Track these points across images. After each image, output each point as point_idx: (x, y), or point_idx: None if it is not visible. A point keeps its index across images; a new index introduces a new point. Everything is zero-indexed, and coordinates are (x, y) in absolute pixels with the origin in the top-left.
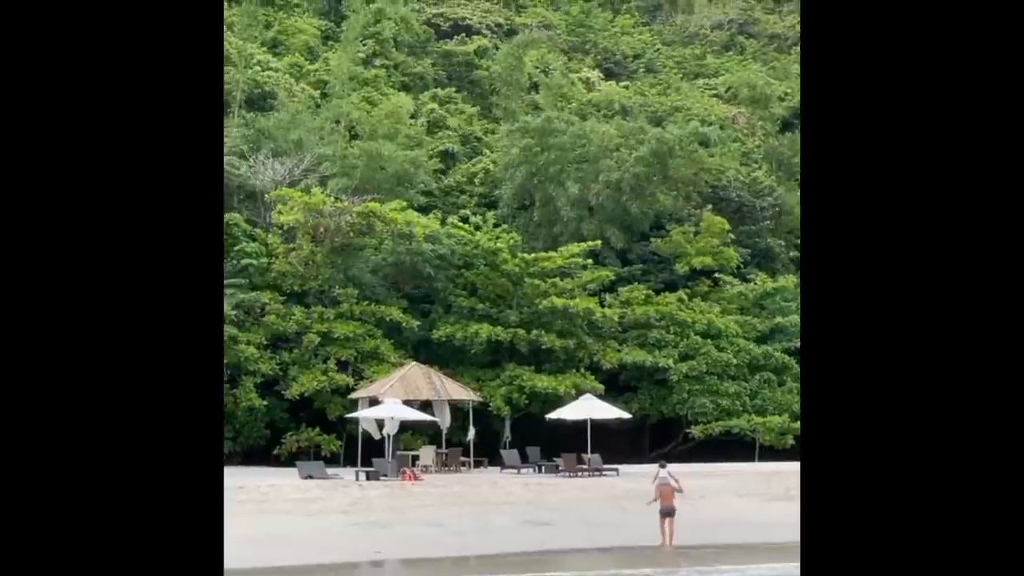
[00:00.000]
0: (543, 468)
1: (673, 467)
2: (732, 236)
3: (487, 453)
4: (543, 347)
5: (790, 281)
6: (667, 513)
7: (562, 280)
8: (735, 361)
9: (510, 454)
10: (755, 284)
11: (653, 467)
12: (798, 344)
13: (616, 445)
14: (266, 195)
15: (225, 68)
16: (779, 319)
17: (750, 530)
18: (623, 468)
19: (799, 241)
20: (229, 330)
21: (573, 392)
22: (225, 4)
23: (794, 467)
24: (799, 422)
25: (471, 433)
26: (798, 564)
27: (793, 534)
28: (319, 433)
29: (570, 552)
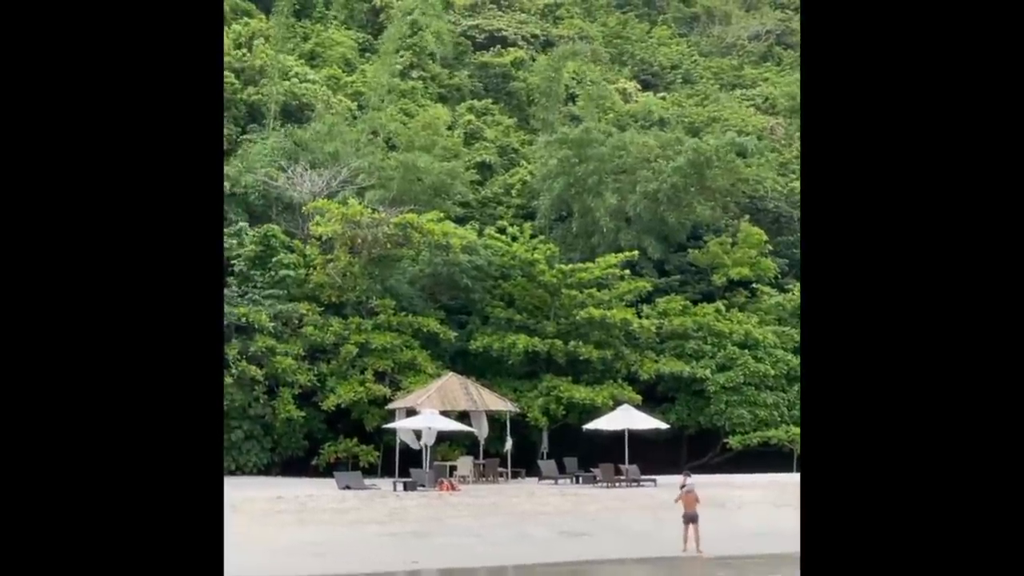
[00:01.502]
0: (580, 479)
1: (711, 478)
2: (769, 247)
3: (524, 463)
4: (580, 358)
5: None
6: (691, 519)
7: (599, 291)
8: (773, 372)
9: (547, 464)
10: (793, 295)
11: (694, 478)
12: None
13: (654, 456)
14: (303, 207)
15: (260, 80)
16: None
17: (789, 540)
18: (661, 479)
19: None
20: (267, 341)
21: (610, 403)
22: (261, 16)
23: None
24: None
25: (508, 443)
26: None
27: None
28: (357, 444)
29: (607, 563)
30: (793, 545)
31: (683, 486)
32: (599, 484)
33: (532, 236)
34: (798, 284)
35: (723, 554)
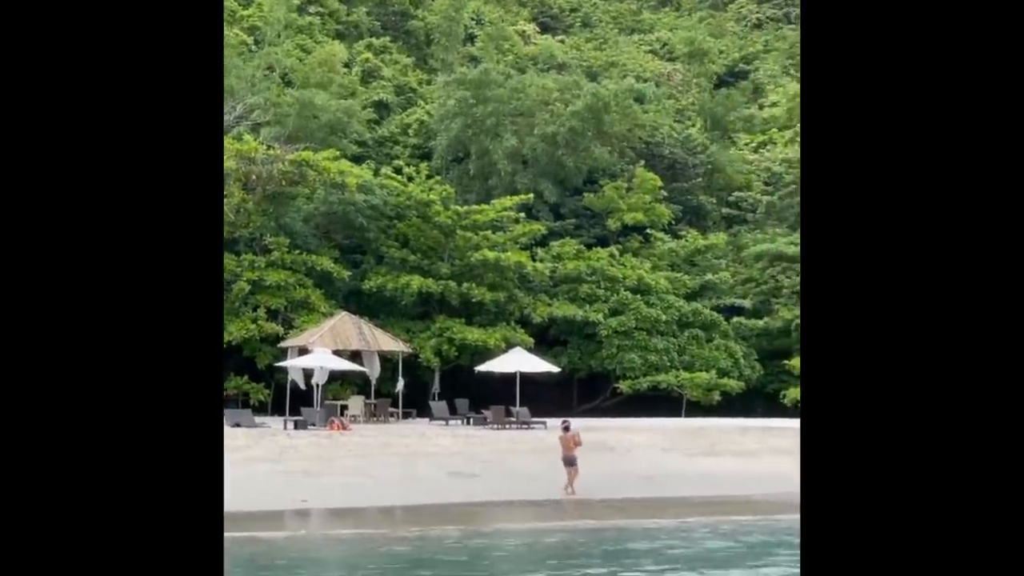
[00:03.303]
0: (471, 420)
1: (601, 421)
2: (664, 193)
3: (416, 404)
4: (473, 300)
5: (720, 238)
6: (569, 462)
7: (494, 233)
8: (664, 317)
9: (439, 406)
10: (686, 241)
11: (584, 421)
12: (727, 301)
13: (545, 399)
14: None
15: None
16: (709, 276)
17: (675, 484)
18: (551, 421)
19: (730, 199)
20: None
21: (503, 345)
22: None
23: (720, 423)
24: (727, 379)
25: (400, 384)
26: (717, 518)
27: (716, 488)
28: (247, 382)
29: (496, 504)
30: (682, 488)
31: (567, 429)
32: (489, 426)
33: (428, 177)
34: (691, 231)
35: (610, 496)
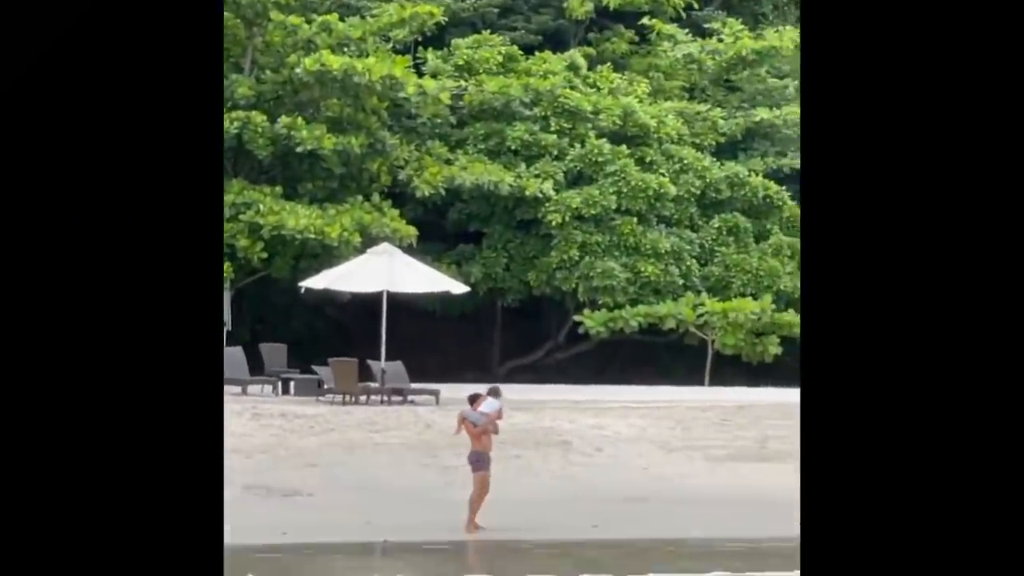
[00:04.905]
0: (292, 385)
1: (548, 390)
2: None
3: None
4: (296, 149)
5: (787, 38)
6: (476, 463)
7: (343, 21)
8: (674, 191)
9: (229, 357)
10: (723, 40)
11: (517, 388)
12: (789, 164)
13: (439, 345)
14: None
15: None
16: (763, 113)
17: (686, 516)
18: (448, 389)
19: None
20: None
21: (356, 238)
22: None
23: (778, 397)
24: (793, 313)
25: None
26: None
27: (764, 523)
28: None
29: (333, 551)
30: (689, 527)
31: (473, 400)
32: (327, 397)
33: None
34: (730, 20)
35: (553, 538)
